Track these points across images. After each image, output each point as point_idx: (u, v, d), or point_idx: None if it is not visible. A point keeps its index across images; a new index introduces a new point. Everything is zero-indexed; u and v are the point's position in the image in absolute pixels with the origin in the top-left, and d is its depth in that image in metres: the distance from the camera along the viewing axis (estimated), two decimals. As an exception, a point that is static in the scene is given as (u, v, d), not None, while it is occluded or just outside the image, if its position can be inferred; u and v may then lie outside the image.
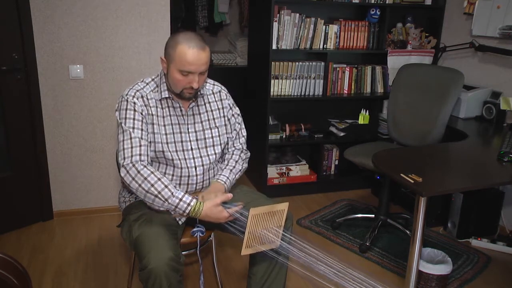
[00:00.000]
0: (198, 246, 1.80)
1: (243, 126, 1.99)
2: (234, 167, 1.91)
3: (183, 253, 1.68)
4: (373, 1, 3.29)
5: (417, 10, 3.50)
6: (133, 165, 1.63)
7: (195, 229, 1.80)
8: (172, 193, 1.60)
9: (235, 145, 1.97)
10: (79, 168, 2.91)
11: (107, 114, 2.87)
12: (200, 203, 1.62)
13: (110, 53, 2.77)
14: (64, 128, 2.82)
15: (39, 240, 2.67)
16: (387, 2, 3.31)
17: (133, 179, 1.62)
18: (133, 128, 1.68)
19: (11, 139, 2.67)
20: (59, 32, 2.65)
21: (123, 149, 1.65)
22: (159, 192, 1.60)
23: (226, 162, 1.93)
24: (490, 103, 2.88)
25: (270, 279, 1.85)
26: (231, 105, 1.94)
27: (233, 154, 1.95)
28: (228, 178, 1.85)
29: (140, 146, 1.66)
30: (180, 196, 1.60)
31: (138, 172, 1.62)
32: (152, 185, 1.60)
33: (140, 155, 1.64)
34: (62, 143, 2.84)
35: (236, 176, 1.91)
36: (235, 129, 1.95)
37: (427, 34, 3.47)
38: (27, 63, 2.61)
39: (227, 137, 1.93)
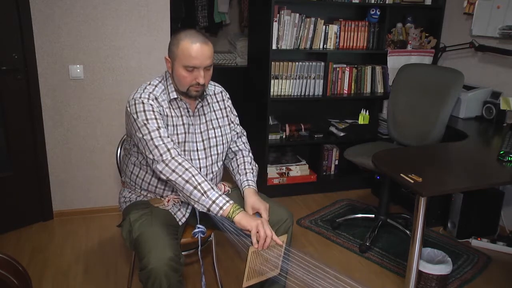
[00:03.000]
0: (199, 247, 1.80)
1: (241, 127, 2.00)
2: (252, 169, 1.92)
3: (183, 253, 1.68)
4: (373, 1, 3.29)
5: (417, 10, 3.49)
6: (173, 158, 1.62)
7: (196, 230, 1.80)
8: (211, 187, 1.60)
9: (240, 147, 1.97)
10: (79, 168, 2.91)
11: (107, 114, 2.87)
12: (234, 210, 1.58)
13: (110, 53, 2.77)
14: (64, 128, 2.82)
15: (39, 240, 2.67)
16: (387, 2, 3.31)
17: (173, 171, 1.61)
18: (159, 127, 1.66)
19: (11, 139, 2.67)
20: (59, 32, 2.65)
21: (156, 146, 1.63)
22: (199, 184, 1.59)
23: (243, 165, 1.91)
24: (490, 103, 2.88)
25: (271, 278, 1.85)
26: (231, 107, 1.97)
27: (243, 156, 1.95)
28: (254, 182, 1.87)
29: (172, 141, 1.66)
30: (220, 192, 1.60)
31: (179, 163, 1.61)
32: (193, 176, 1.60)
33: (175, 149, 1.64)
34: (62, 143, 2.84)
35: (256, 178, 1.92)
36: (235, 131, 1.96)
37: (427, 34, 3.47)
38: (27, 63, 2.61)
39: (231, 137, 1.94)
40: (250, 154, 1.98)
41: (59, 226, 2.86)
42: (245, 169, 1.90)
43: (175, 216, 1.80)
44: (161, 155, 1.63)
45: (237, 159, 1.96)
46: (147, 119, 1.66)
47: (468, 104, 2.96)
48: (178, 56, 1.64)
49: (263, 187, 3.32)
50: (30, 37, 2.59)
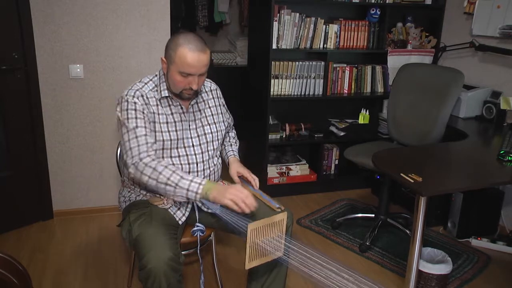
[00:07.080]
0: (199, 246, 1.81)
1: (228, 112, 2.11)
2: (236, 142, 2.13)
3: (183, 252, 1.68)
4: (373, 1, 3.29)
5: (417, 9, 3.49)
6: (140, 160, 1.65)
7: (195, 229, 1.81)
8: (181, 176, 1.62)
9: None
10: (79, 168, 2.91)
11: (107, 114, 2.87)
12: (207, 191, 1.59)
13: (110, 53, 2.77)
14: (64, 128, 2.82)
15: (39, 240, 2.67)
16: (387, 1, 3.31)
17: (142, 172, 1.64)
18: (137, 126, 1.69)
19: (11, 138, 2.67)
20: (59, 31, 2.65)
21: (130, 148, 1.67)
22: (168, 178, 1.61)
23: (228, 139, 2.11)
24: (490, 103, 2.88)
25: (271, 278, 1.86)
26: (223, 104, 2.02)
27: (228, 132, 2.12)
28: (237, 152, 2.07)
29: (147, 143, 1.68)
30: (190, 178, 1.62)
31: (146, 165, 1.64)
32: (160, 173, 1.62)
33: (146, 151, 1.67)
34: (62, 143, 2.84)
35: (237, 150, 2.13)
36: (228, 122, 2.07)
37: (427, 34, 3.47)
38: (27, 63, 2.61)
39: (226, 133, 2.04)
40: (234, 131, 2.16)
41: (59, 225, 2.86)
42: (229, 141, 2.10)
43: (174, 215, 1.80)
44: (132, 157, 1.67)
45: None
46: (127, 118, 1.70)
47: (468, 104, 2.96)
48: (174, 61, 1.65)
49: (263, 186, 3.30)
50: (30, 37, 2.59)
